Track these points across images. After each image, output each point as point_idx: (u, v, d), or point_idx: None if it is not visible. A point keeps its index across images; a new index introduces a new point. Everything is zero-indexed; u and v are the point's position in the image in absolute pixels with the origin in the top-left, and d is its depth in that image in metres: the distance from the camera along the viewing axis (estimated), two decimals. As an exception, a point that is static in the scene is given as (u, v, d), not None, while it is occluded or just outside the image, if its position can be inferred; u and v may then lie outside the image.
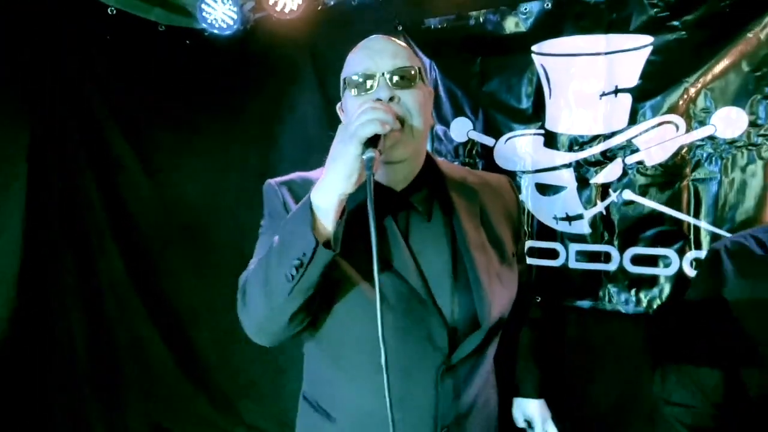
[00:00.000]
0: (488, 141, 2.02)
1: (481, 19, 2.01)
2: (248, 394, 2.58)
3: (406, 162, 0.92)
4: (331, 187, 0.77)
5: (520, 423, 1.26)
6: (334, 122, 2.45)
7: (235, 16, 2.24)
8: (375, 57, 0.90)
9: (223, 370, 2.60)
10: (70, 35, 2.21)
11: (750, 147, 1.63)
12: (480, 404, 0.99)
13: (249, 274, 0.88)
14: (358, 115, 0.78)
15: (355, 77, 0.90)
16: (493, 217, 1.00)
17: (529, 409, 1.22)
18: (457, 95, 2.05)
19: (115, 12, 2.28)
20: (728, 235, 1.66)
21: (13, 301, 2.14)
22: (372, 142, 0.76)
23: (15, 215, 2.08)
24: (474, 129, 2.05)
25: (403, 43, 0.98)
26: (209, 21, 2.25)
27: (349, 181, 0.77)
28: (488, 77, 2.01)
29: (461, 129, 2.07)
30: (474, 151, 2.06)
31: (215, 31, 2.30)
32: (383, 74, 0.88)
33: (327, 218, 0.78)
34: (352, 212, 0.83)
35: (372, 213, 0.73)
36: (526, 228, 1.94)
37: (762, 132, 1.61)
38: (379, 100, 0.85)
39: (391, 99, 0.86)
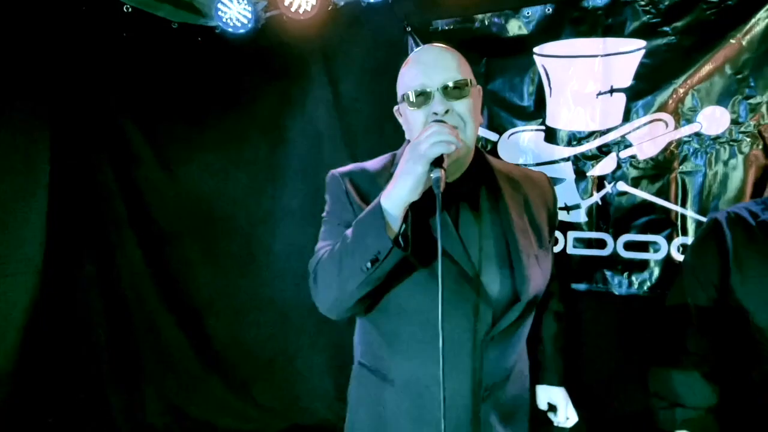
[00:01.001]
0: (493, 136, 2.17)
1: (486, 22, 2.13)
2: (261, 376, 2.70)
3: (458, 160, 1.03)
4: (400, 196, 0.90)
5: (544, 407, 1.34)
6: (344, 119, 2.56)
7: (249, 15, 2.33)
8: (429, 72, 0.99)
9: (236, 353, 2.70)
10: (87, 34, 2.27)
11: (732, 143, 1.81)
12: (515, 373, 1.11)
13: (322, 262, 1.00)
14: (427, 137, 0.89)
15: (411, 93, 1.00)
16: (534, 207, 1.11)
17: (553, 396, 1.32)
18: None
19: (130, 10, 2.35)
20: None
21: (37, 289, 2.23)
22: (438, 160, 0.89)
23: (39, 208, 2.16)
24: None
25: (453, 52, 1.04)
26: (224, 20, 2.33)
27: (416, 192, 0.90)
28: (493, 76, 2.15)
29: (467, 125, 2.20)
30: (479, 146, 2.19)
31: (230, 30, 2.38)
32: (438, 89, 0.97)
33: (395, 221, 0.91)
34: (414, 209, 0.95)
35: (440, 223, 0.87)
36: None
37: (742, 129, 1.79)
38: (441, 121, 0.95)
39: (447, 111, 0.97)
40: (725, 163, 1.82)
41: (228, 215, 2.67)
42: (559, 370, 1.32)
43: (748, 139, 1.78)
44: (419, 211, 0.96)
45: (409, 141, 1.09)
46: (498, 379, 1.06)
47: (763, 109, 1.75)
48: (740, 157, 1.80)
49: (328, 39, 2.42)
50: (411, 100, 1.00)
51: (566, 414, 1.31)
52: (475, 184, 1.08)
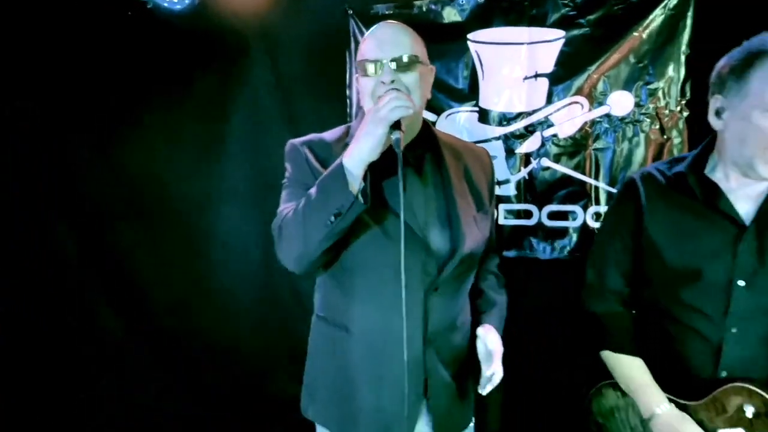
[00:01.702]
0: (431, 116, 2.31)
1: (424, 8, 2.26)
2: (207, 362, 2.70)
3: (407, 129, 1.14)
4: (361, 156, 1.01)
5: (482, 349, 1.45)
6: (286, 100, 2.59)
7: (187, -9, 2.28)
8: (382, 45, 1.12)
9: (179, 341, 2.67)
10: (6, 8, 2.12)
11: (635, 123, 2.09)
12: (459, 324, 1.25)
13: (286, 219, 1.09)
14: (387, 102, 1.00)
15: (364, 63, 1.13)
16: (473, 174, 1.26)
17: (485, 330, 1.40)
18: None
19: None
20: (619, 192, 2.11)
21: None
22: (396, 124, 1.01)
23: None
24: (419, 106, 2.33)
25: (408, 31, 1.17)
26: (161, -6, 2.27)
27: (375, 153, 1.02)
28: (430, 60, 2.27)
29: (408, 106, 2.33)
30: (420, 125, 2.34)
31: (165, 5, 2.33)
32: (387, 61, 1.10)
33: (356, 179, 1.02)
34: (370, 171, 1.06)
35: (401, 176, 0.99)
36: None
37: (643, 111, 2.07)
38: (395, 89, 1.07)
39: (393, 81, 1.09)
40: (630, 141, 2.10)
41: (167, 198, 2.61)
42: (499, 317, 1.39)
43: (648, 120, 2.07)
44: (375, 173, 1.07)
45: (362, 110, 1.20)
46: (442, 328, 1.19)
47: (660, 93, 2.04)
48: (642, 136, 2.09)
49: (269, 19, 2.43)
50: (364, 69, 1.12)
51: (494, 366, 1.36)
52: (422, 152, 1.21)
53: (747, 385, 1.11)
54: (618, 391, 1.36)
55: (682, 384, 1.22)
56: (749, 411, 1.10)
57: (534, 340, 2.36)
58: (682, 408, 1.21)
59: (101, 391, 2.51)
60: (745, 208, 1.16)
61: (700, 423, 1.18)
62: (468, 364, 1.30)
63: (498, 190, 2.28)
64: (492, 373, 1.10)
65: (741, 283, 1.13)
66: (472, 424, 1.37)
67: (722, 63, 1.17)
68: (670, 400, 1.23)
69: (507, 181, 2.29)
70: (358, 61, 1.16)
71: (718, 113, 1.16)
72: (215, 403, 2.59)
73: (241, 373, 2.60)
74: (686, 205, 1.22)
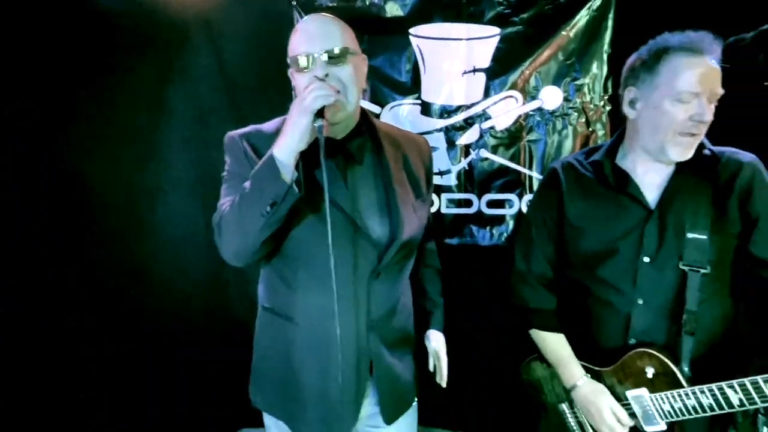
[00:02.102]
0: (376, 109, 2.37)
1: (366, 2, 2.30)
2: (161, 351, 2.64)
3: (346, 120, 1.17)
4: (289, 146, 1.03)
5: (431, 349, 1.42)
6: (230, 90, 2.57)
7: (122, -23, 2.21)
8: (313, 40, 1.10)
9: (121, 336, 2.60)
10: None
11: (564, 116, 2.24)
12: (400, 306, 1.29)
13: (224, 213, 1.10)
14: (309, 92, 1.02)
15: (296, 58, 1.11)
16: (412, 163, 1.29)
17: (434, 338, 1.42)
18: (348, 68, 2.35)
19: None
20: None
21: None
22: (320, 112, 1.02)
23: None
24: (363, 98, 2.37)
25: (337, 22, 1.16)
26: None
27: (303, 142, 1.04)
28: (374, 54, 2.34)
29: (352, 98, 2.38)
30: (364, 117, 2.39)
31: (99, -11, 2.24)
32: (319, 55, 1.09)
33: (287, 169, 1.03)
34: (304, 160, 1.08)
35: (325, 166, 1.01)
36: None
37: (571, 105, 2.22)
38: (317, 77, 1.08)
39: (326, 75, 1.08)
40: (559, 133, 2.25)
41: (107, 192, 2.52)
42: (441, 316, 1.48)
43: (575, 114, 2.22)
44: (310, 164, 1.10)
45: None
46: (384, 312, 1.23)
47: (586, 89, 2.20)
48: (570, 128, 2.24)
49: (211, 8, 2.40)
50: (296, 64, 1.11)
51: (444, 358, 1.40)
52: (361, 142, 1.23)
53: (647, 350, 1.25)
54: (544, 363, 1.48)
55: (598, 352, 1.35)
56: (650, 372, 1.24)
57: (477, 324, 2.49)
58: (596, 374, 1.35)
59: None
60: (650, 193, 1.30)
61: (611, 386, 1.32)
62: (410, 346, 1.37)
63: (440, 180, 2.38)
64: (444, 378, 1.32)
65: (646, 259, 1.27)
66: (415, 404, 1.43)
67: (633, 58, 1.30)
68: (587, 369, 1.36)
69: (448, 172, 2.38)
70: (290, 57, 1.14)
71: (632, 103, 1.28)
72: (169, 398, 2.55)
73: (193, 365, 2.57)
74: (601, 191, 1.35)
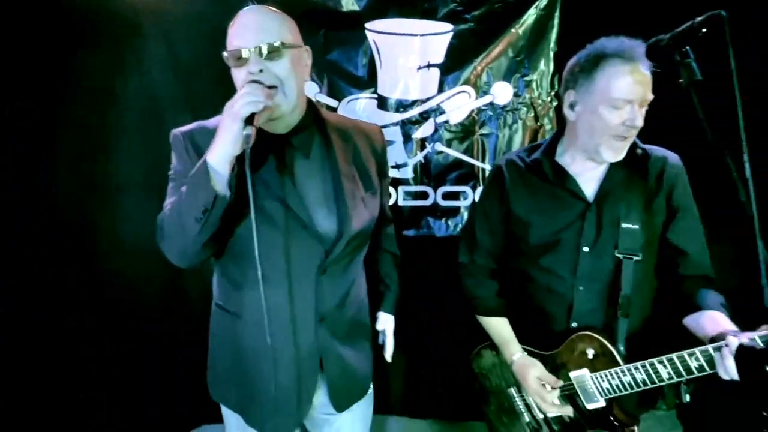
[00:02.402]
0: (333, 103, 2.39)
1: (323, -4, 2.32)
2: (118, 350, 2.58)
3: (285, 115, 1.13)
4: (221, 153, 1.00)
5: (381, 328, 1.48)
6: (185, 81, 2.52)
7: (67, -37, 2.13)
8: (245, 34, 1.06)
9: (70, 338, 2.53)
10: None
11: (514, 111, 2.33)
12: (351, 298, 1.28)
13: (164, 217, 1.10)
14: (240, 97, 0.99)
15: (231, 52, 1.07)
16: (362, 154, 1.27)
17: (383, 321, 1.46)
18: (304, 61, 2.36)
19: None
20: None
21: None
22: (249, 119, 0.99)
23: None
24: (320, 92, 2.39)
25: (274, 15, 1.11)
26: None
27: (235, 147, 1.00)
28: (330, 48, 2.36)
29: (309, 91, 2.39)
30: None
31: (42, -24, 2.15)
32: (252, 50, 1.04)
33: (219, 176, 1.01)
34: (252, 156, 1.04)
35: (249, 174, 0.99)
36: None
37: (521, 101, 2.32)
38: (257, 81, 1.04)
39: (261, 71, 1.05)
40: (510, 127, 2.34)
41: (55, 185, 2.43)
42: (392, 299, 1.50)
43: (525, 109, 2.32)
44: (256, 161, 1.08)
45: None
46: (334, 305, 1.22)
47: (534, 85, 2.29)
48: (520, 123, 2.33)
49: (162, -2, 2.35)
50: (231, 59, 1.08)
51: (389, 342, 1.45)
52: (308, 135, 1.20)
53: (588, 333, 1.34)
54: (493, 350, 1.56)
55: (543, 336, 1.43)
56: (590, 353, 1.33)
57: (434, 313, 2.57)
58: (543, 358, 1.43)
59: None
60: (588, 187, 1.39)
61: (556, 368, 1.40)
62: (364, 335, 1.38)
63: (396, 173, 2.43)
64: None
65: (586, 249, 1.36)
66: (371, 391, 1.45)
67: (572, 62, 1.36)
68: (534, 354, 1.45)
69: (405, 165, 2.44)
70: (227, 51, 1.09)
71: (571, 106, 1.36)
72: (130, 395, 2.50)
73: (153, 363, 2.53)
74: (542, 186, 1.42)
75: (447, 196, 2.43)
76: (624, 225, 1.31)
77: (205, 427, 2.60)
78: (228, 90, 2.36)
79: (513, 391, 1.52)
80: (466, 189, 2.41)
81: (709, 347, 1.08)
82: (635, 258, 1.31)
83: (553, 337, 1.40)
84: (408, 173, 2.43)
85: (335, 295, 1.23)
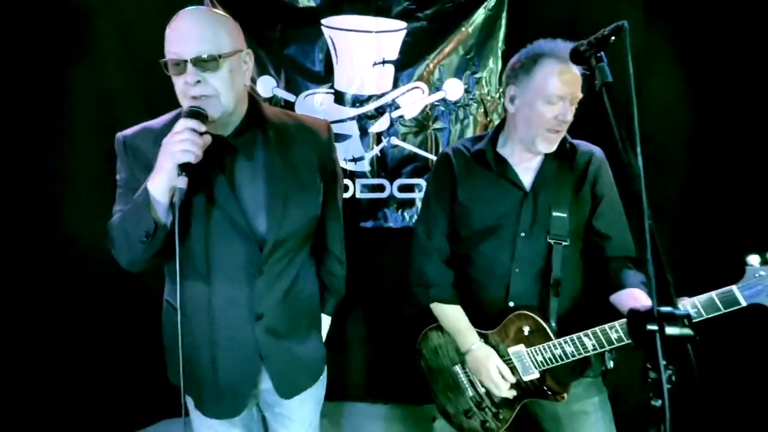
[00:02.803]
0: (290, 97, 2.43)
1: (279, -9, 2.35)
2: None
3: (224, 118, 1.14)
4: (159, 184, 1.05)
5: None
6: (139, 77, 2.49)
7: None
8: (183, 43, 1.05)
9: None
10: None
11: (465, 107, 2.43)
12: (296, 291, 1.30)
13: (114, 228, 1.15)
14: (179, 141, 1.01)
15: (169, 60, 1.07)
16: (303, 153, 1.26)
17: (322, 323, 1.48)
18: (261, 56, 2.37)
19: None
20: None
21: None
22: (184, 165, 1.02)
23: None
24: (277, 86, 2.43)
25: (211, 20, 1.09)
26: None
27: (172, 182, 1.04)
28: (287, 43, 2.39)
29: (267, 86, 2.42)
30: (279, 106, 2.44)
31: (-15, -35, 2.09)
32: (189, 60, 1.04)
33: (159, 205, 1.07)
34: (193, 171, 1.06)
35: (177, 225, 1.02)
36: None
37: (471, 97, 2.42)
38: (196, 110, 1.06)
39: (198, 81, 1.05)
40: (462, 122, 2.45)
41: (6, 181, 2.37)
42: (333, 302, 1.51)
43: (475, 104, 2.43)
44: (203, 166, 1.09)
45: None
46: (274, 303, 1.25)
47: (483, 82, 2.41)
48: (471, 118, 2.44)
49: (115, -12, 2.32)
50: (170, 66, 1.07)
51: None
52: (250, 137, 1.20)
53: (524, 311, 1.45)
54: (438, 331, 1.65)
55: (483, 316, 1.54)
56: (526, 330, 1.45)
57: (389, 302, 2.65)
58: (483, 336, 1.53)
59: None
60: (526, 177, 1.50)
61: (496, 345, 1.51)
62: (313, 325, 1.42)
63: (354, 167, 2.50)
64: None
65: (522, 234, 1.47)
66: (323, 378, 1.47)
67: (514, 60, 1.47)
68: (478, 332, 1.55)
69: (362, 158, 2.51)
70: (165, 58, 1.08)
71: (511, 99, 1.46)
72: (91, 391, 2.48)
73: (113, 358, 2.51)
74: (485, 175, 1.52)
75: (403, 188, 2.52)
76: (555, 213, 1.43)
77: (167, 421, 2.61)
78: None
79: (458, 368, 1.61)
80: (421, 181, 2.50)
81: (626, 321, 1.20)
82: (564, 243, 1.43)
83: (492, 316, 1.50)
84: (365, 166, 2.51)
85: (275, 293, 1.25)
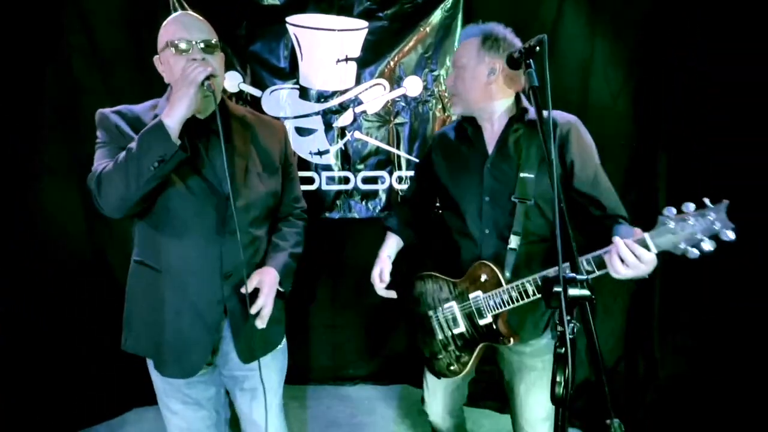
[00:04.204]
0: (256, 92, 2.52)
1: (245, -11, 2.42)
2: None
3: (207, 103, 1.33)
4: (178, 114, 1.21)
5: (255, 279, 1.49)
6: (107, 71, 2.53)
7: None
8: (190, 29, 1.31)
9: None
10: None
11: (424, 103, 2.57)
12: (256, 261, 1.46)
13: (107, 170, 1.24)
14: (192, 69, 1.21)
15: (175, 42, 1.29)
16: (261, 140, 1.48)
17: (261, 270, 1.46)
18: (227, 52, 2.44)
19: None
20: (416, 160, 2.59)
21: None
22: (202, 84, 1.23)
23: None
24: (244, 81, 2.51)
25: (205, 21, 1.37)
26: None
27: (190, 110, 1.23)
28: (253, 39, 2.47)
29: (233, 81, 2.50)
30: (245, 101, 2.53)
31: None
32: (196, 42, 1.30)
33: (174, 133, 1.21)
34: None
35: (221, 126, 1.24)
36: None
37: (430, 93, 2.56)
38: (194, 59, 1.28)
39: (203, 59, 1.29)
40: (421, 118, 2.58)
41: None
42: (284, 257, 1.53)
43: (434, 101, 2.57)
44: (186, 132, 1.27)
45: (171, 86, 1.37)
46: (239, 264, 1.36)
47: (441, 79, 2.54)
48: (430, 113, 2.58)
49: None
50: (175, 47, 1.29)
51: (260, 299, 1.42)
52: (221, 121, 1.31)
53: (483, 262, 1.58)
54: (421, 281, 1.78)
55: (457, 268, 1.67)
56: (483, 278, 1.59)
57: (357, 288, 2.78)
58: (453, 284, 1.69)
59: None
60: (491, 145, 1.59)
61: (462, 292, 1.64)
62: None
63: (319, 160, 2.61)
64: (257, 308, 1.36)
65: (487, 198, 1.61)
66: (283, 345, 1.59)
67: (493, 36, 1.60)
68: (446, 282, 1.69)
69: (327, 152, 2.62)
70: (169, 41, 1.30)
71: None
72: (60, 381, 2.51)
73: (80, 348, 2.55)
74: (459, 148, 1.66)
75: (366, 180, 2.64)
76: (522, 174, 1.53)
77: (137, 410, 2.67)
78: (149, 82, 2.43)
79: (431, 313, 1.73)
80: (384, 174, 2.63)
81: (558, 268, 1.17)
82: (528, 203, 1.52)
83: (464, 268, 1.64)
84: (330, 159, 2.62)
85: (243, 255, 1.36)
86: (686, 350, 2.41)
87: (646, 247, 1.22)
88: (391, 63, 2.51)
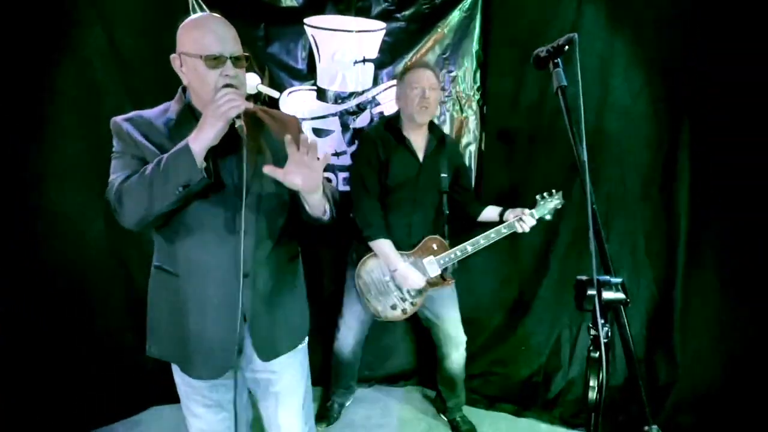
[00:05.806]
0: (274, 94, 2.52)
1: (263, -9, 2.43)
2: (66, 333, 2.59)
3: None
4: (205, 141, 1.21)
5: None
6: (126, 73, 2.55)
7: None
8: (223, 42, 1.27)
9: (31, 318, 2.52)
10: None
11: (442, 103, 2.56)
12: (276, 257, 1.44)
13: (130, 185, 1.24)
14: (226, 101, 1.20)
15: (210, 55, 1.25)
16: (273, 135, 1.44)
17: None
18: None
19: None
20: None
21: None
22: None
23: None
24: (262, 83, 2.52)
25: (232, 27, 1.33)
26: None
27: (216, 140, 1.23)
28: (271, 41, 2.48)
29: (251, 82, 2.48)
30: (263, 102, 2.53)
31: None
32: (230, 57, 1.26)
33: (200, 159, 1.21)
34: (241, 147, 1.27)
35: (245, 156, 1.27)
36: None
37: (447, 94, 2.55)
38: (230, 85, 1.24)
39: (236, 76, 1.27)
40: (438, 118, 2.57)
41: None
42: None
43: (451, 102, 2.56)
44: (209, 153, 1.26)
45: (184, 87, 1.38)
46: (258, 264, 1.39)
47: (459, 80, 2.53)
48: (447, 114, 2.57)
49: (100, -13, 2.37)
50: (208, 61, 1.25)
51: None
52: (236, 121, 1.35)
53: (433, 236, 2.21)
54: (374, 257, 2.20)
55: (405, 242, 2.20)
56: (434, 246, 2.21)
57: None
58: (405, 255, 2.18)
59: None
60: (419, 150, 2.18)
61: (415, 260, 2.19)
62: (296, 293, 1.55)
63: (336, 161, 2.62)
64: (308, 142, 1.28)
65: (419, 196, 2.20)
66: (304, 345, 1.60)
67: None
68: (402, 254, 2.17)
69: (344, 153, 2.62)
70: (200, 52, 1.25)
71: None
72: (80, 379, 2.53)
73: (101, 347, 2.57)
74: (395, 145, 2.14)
75: (383, 181, 2.63)
76: (442, 174, 2.21)
77: (155, 408, 2.69)
78: (168, 82, 2.44)
79: (388, 278, 2.20)
80: (401, 174, 2.62)
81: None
82: (446, 193, 2.24)
83: (411, 242, 2.22)
84: (347, 160, 2.62)
85: (261, 253, 1.39)
86: (707, 354, 2.39)
87: (532, 215, 2.10)
88: (409, 64, 2.51)
